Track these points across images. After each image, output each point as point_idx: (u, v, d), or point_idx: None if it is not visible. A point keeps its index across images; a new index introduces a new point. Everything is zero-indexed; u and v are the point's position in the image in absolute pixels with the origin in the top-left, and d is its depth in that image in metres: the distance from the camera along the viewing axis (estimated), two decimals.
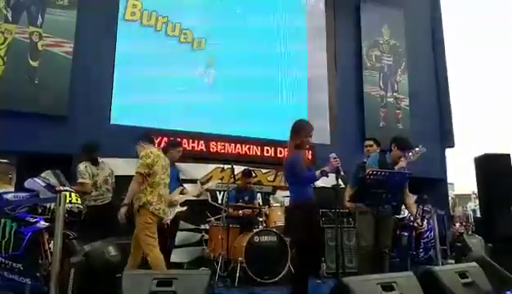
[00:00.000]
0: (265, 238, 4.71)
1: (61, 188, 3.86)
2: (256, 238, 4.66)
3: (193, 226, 5.78)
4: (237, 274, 4.45)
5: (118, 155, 5.48)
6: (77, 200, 3.87)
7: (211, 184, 5.37)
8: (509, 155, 7.15)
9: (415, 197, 6.70)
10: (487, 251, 4.69)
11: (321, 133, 7.27)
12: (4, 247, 3.63)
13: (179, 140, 5.29)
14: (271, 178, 6.54)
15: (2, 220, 3.65)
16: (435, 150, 8.74)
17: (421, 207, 4.93)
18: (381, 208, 3.73)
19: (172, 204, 4.15)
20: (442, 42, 9.28)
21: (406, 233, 5.85)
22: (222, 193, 6.01)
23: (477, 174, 7.30)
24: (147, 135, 4.04)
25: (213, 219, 5.58)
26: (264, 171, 6.52)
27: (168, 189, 3.87)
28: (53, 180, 3.92)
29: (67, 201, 3.80)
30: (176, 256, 5.71)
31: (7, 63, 5.59)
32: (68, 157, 5.53)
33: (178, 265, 5.64)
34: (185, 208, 4.36)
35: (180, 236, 5.69)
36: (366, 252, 3.74)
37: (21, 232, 3.59)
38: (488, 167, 6.97)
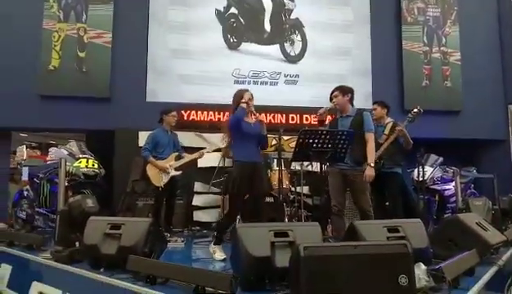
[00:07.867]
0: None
1: (81, 155, 4.78)
2: None
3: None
4: None
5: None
6: (93, 165, 4.76)
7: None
8: None
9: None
10: (488, 214, 4.26)
11: (366, 97, 7.15)
12: (44, 203, 4.72)
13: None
14: (293, 144, 6.69)
15: (41, 182, 4.74)
16: (495, 108, 7.82)
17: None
18: (347, 168, 3.76)
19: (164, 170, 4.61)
20: None
21: (424, 197, 5.62)
22: None
23: None
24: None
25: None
26: (286, 137, 6.71)
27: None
28: (75, 149, 4.85)
29: (83, 165, 4.75)
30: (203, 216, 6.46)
31: (62, 56, 6.75)
32: (111, 132, 6.57)
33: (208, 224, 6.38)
34: (179, 173, 4.79)
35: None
36: (335, 212, 3.79)
37: (53, 190, 4.61)
38: None
